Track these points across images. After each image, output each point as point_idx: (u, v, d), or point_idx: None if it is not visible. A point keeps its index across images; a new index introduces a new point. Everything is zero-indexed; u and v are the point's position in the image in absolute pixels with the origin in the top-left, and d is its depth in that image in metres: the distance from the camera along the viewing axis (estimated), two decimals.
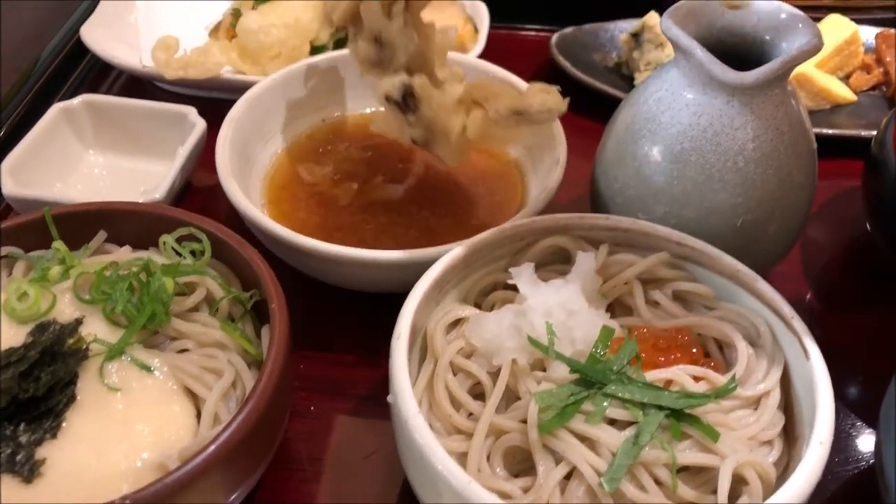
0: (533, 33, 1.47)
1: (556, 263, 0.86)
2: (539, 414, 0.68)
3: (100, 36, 1.28)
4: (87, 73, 1.37)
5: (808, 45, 0.83)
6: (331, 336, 0.97)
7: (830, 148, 1.07)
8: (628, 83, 1.33)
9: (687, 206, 0.88)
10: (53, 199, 0.99)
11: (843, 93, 1.27)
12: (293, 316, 0.76)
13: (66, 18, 1.44)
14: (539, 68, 1.38)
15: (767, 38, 0.88)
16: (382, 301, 0.95)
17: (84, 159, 1.14)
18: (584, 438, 0.68)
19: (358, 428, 0.88)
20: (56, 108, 1.10)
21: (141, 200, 0.99)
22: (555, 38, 1.36)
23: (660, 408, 0.69)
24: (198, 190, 1.16)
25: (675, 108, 0.88)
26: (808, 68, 1.24)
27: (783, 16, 0.87)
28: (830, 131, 1.20)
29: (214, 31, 1.32)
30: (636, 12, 1.35)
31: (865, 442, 0.89)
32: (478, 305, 0.84)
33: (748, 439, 0.71)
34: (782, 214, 0.90)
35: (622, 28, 1.37)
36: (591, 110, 1.27)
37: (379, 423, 0.87)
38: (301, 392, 0.90)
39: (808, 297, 1.05)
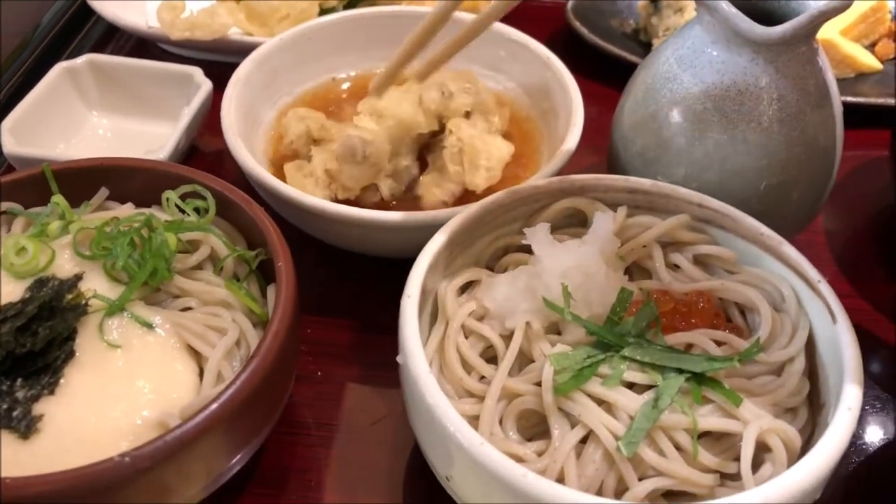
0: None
1: (572, 227, 0.84)
2: (554, 376, 0.66)
3: None
4: (91, 34, 1.34)
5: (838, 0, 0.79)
6: (338, 300, 0.94)
7: (855, 117, 1.04)
8: (646, 50, 1.29)
9: (708, 168, 0.85)
10: (55, 157, 0.96)
11: (869, 61, 1.23)
12: (300, 278, 0.74)
13: None
14: (554, 34, 1.34)
15: None
16: (392, 264, 0.92)
17: (88, 120, 1.12)
18: (600, 402, 0.66)
19: (366, 393, 0.85)
20: (59, 68, 1.08)
21: None
22: (571, 3, 1.33)
23: (680, 371, 0.67)
24: (203, 153, 1.13)
25: (697, 66, 0.84)
26: (832, 34, 1.21)
27: None
28: (856, 99, 1.16)
29: None
30: None
31: (890, 414, 0.86)
32: (490, 269, 0.81)
33: (772, 405, 0.68)
34: (807, 179, 0.87)
35: None
36: (607, 77, 1.24)
37: (388, 388, 0.85)
38: (308, 356, 0.88)
39: (831, 267, 1.02)
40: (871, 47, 1.27)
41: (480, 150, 0.91)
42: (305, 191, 0.89)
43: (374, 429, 0.82)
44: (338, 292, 0.95)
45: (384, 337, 0.89)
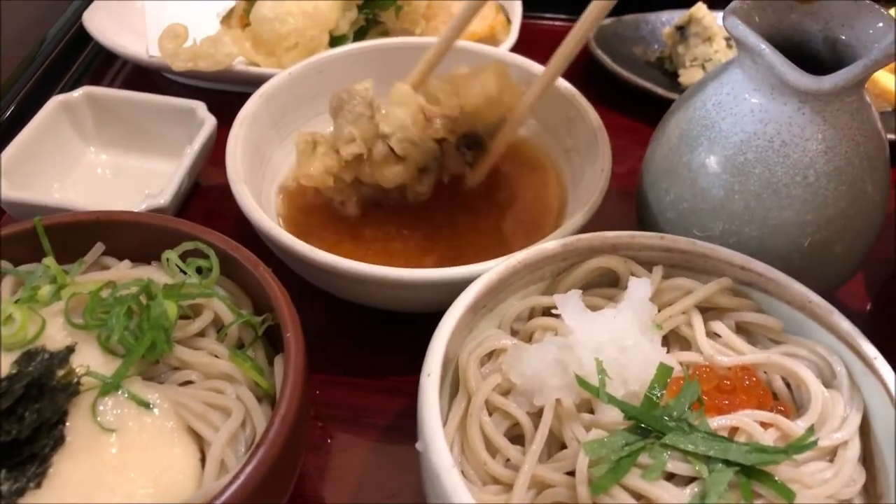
0: (569, 24, 1.37)
1: (602, 286, 0.78)
2: (590, 468, 0.60)
3: (103, 23, 1.20)
4: (89, 62, 1.29)
5: (893, 47, 0.73)
6: (349, 358, 0.89)
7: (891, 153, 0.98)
8: (671, 79, 1.23)
9: (749, 223, 0.79)
10: (49, 203, 0.91)
11: None
12: (308, 334, 0.69)
13: (67, 4, 1.35)
14: (575, 62, 1.27)
15: (843, 37, 0.79)
16: (408, 318, 0.87)
17: (84, 157, 1.06)
18: (639, 496, 0.60)
19: (379, 464, 0.80)
20: (55, 102, 1.02)
21: (145, 206, 0.91)
22: (593, 30, 1.27)
23: (727, 462, 0.61)
24: (207, 190, 1.08)
25: (737, 113, 0.79)
26: None
27: (861, 12, 0.78)
28: (893, 136, 1.10)
29: (226, 20, 1.23)
30: (681, 3, 1.25)
31: None
32: (514, 332, 0.76)
33: (825, 498, 0.62)
34: (853, 233, 0.81)
35: (665, 20, 1.27)
36: (630, 108, 1.19)
37: (402, 458, 0.78)
38: (317, 421, 0.82)
39: (870, 319, 0.96)
40: None
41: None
42: (313, 165, 0.88)
43: None
44: (349, 349, 0.90)
45: (398, 399, 0.85)
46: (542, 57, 1.04)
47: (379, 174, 0.89)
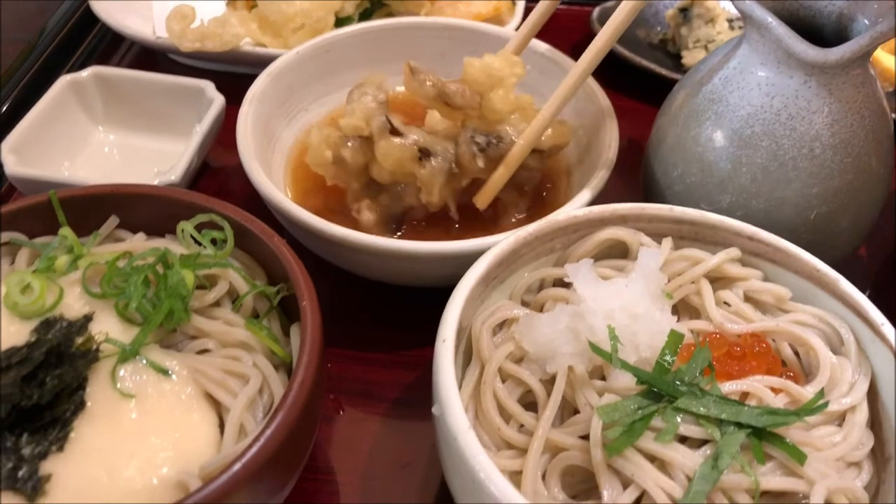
0: (573, 7, 1.38)
1: (612, 258, 0.79)
2: (603, 431, 0.61)
3: (110, 5, 1.20)
4: (96, 44, 1.29)
5: None
6: (361, 332, 0.89)
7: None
8: (674, 61, 1.24)
9: (756, 196, 0.80)
10: (60, 179, 0.91)
11: None
12: (321, 310, 0.69)
13: None
14: (579, 44, 1.28)
15: (846, 11, 0.80)
16: (419, 293, 0.87)
17: (93, 136, 1.07)
18: (653, 459, 0.61)
19: (392, 435, 0.80)
20: (63, 81, 1.03)
21: (155, 182, 0.91)
22: (596, 11, 1.28)
23: (739, 425, 0.62)
24: (215, 170, 1.08)
25: (744, 87, 0.80)
26: None
27: None
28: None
29: (233, 1, 1.23)
30: None
31: None
32: (526, 303, 0.76)
33: (835, 460, 0.63)
34: (858, 207, 0.82)
35: (668, 2, 1.28)
36: (633, 89, 1.20)
37: (414, 429, 0.80)
38: (329, 394, 0.83)
39: (876, 292, 0.96)
40: None
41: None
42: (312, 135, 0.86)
43: (399, 475, 0.77)
44: (361, 323, 0.90)
45: (410, 372, 0.85)
46: (546, 37, 1.05)
47: (377, 150, 0.85)
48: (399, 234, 0.91)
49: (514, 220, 0.92)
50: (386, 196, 0.90)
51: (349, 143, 0.86)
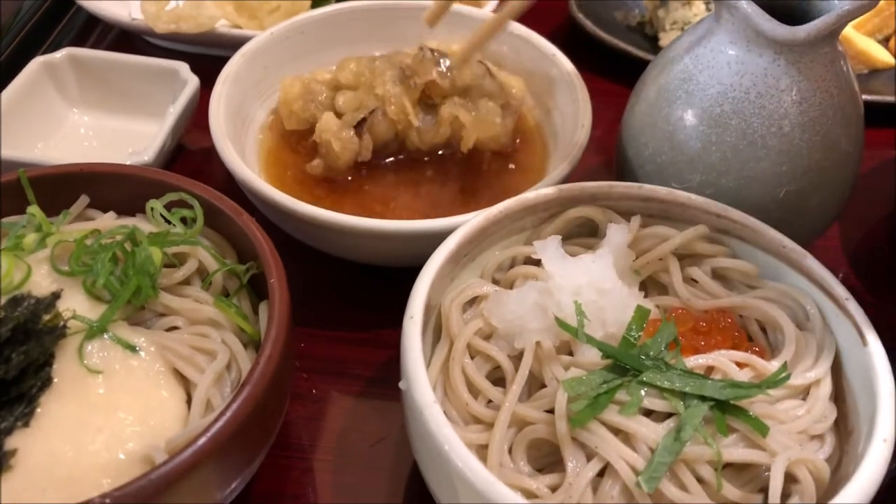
0: None
1: (581, 236, 0.79)
2: (568, 404, 0.61)
3: None
4: (71, 26, 1.28)
5: None
6: (333, 311, 0.89)
7: (868, 115, 1.00)
8: (652, 43, 1.24)
9: (725, 174, 0.80)
10: (34, 159, 0.91)
11: (883, 56, 1.19)
12: (292, 289, 0.69)
13: None
14: (557, 26, 1.29)
15: None
16: (390, 273, 0.88)
17: (68, 118, 1.06)
18: (617, 431, 0.61)
19: (364, 413, 0.81)
20: (37, 62, 1.02)
21: (128, 163, 0.91)
22: None
23: (702, 398, 0.62)
24: (190, 153, 1.08)
25: (714, 66, 0.80)
26: (847, 29, 1.16)
27: None
28: (872, 98, 1.12)
29: None
30: None
31: None
32: (496, 282, 0.77)
33: (797, 433, 0.64)
34: (828, 185, 0.82)
35: None
36: (612, 72, 1.20)
37: (386, 407, 0.81)
38: (302, 373, 0.83)
39: (849, 274, 0.98)
40: (885, 42, 1.22)
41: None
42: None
43: (371, 451, 0.78)
44: (332, 303, 0.90)
45: (382, 350, 0.86)
46: (525, 19, 1.05)
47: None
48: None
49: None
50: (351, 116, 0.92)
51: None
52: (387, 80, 0.89)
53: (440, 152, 0.95)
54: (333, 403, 0.81)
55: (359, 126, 0.89)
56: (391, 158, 0.95)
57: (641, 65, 1.12)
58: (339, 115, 0.91)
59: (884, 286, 0.96)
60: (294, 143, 0.96)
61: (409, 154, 0.95)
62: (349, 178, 0.93)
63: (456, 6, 1.07)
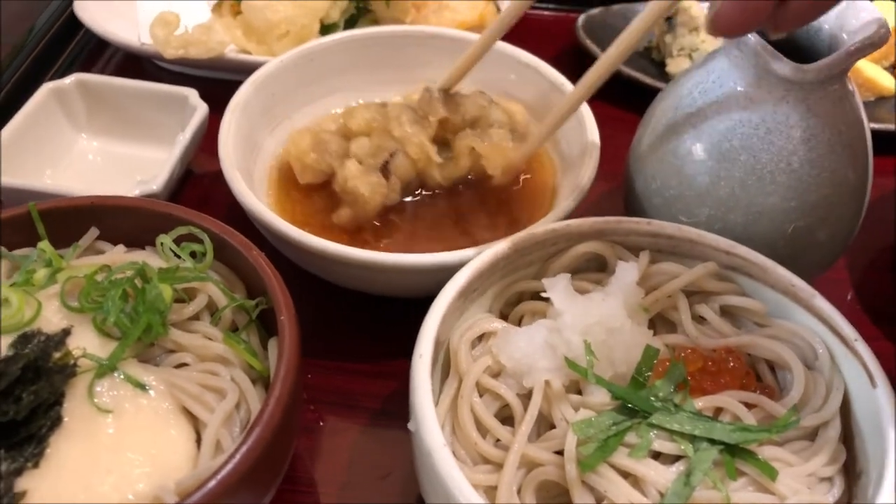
0: (558, 14, 1.39)
1: (589, 271, 0.79)
2: (578, 447, 0.61)
3: (95, 10, 1.20)
4: (80, 50, 1.28)
5: (875, 35, 0.75)
6: (342, 343, 0.89)
7: (873, 143, 1.00)
8: (659, 69, 1.25)
9: (734, 209, 0.80)
10: (42, 189, 0.91)
11: (889, 84, 1.19)
12: (301, 321, 0.69)
13: None
14: (563, 51, 1.29)
15: (826, 26, 0.80)
16: (398, 303, 0.88)
17: (76, 144, 1.07)
18: (627, 475, 0.61)
19: (371, 446, 0.81)
20: (46, 88, 1.02)
21: (137, 191, 0.91)
22: (581, 19, 1.28)
23: (712, 441, 0.62)
24: (198, 177, 1.08)
25: (723, 101, 0.80)
26: None
27: (845, 2, 0.79)
28: (876, 126, 1.11)
29: (218, 7, 1.24)
30: None
31: None
32: (504, 316, 0.77)
33: (806, 476, 0.64)
34: (836, 220, 0.83)
35: None
36: (618, 97, 1.20)
37: (394, 440, 0.80)
38: (309, 405, 0.83)
39: (856, 309, 0.97)
40: (892, 69, 1.22)
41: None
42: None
43: (379, 485, 0.78)
44: (341, 334, 0.90)
45: (389, 382, 0.86)
46: (531, 46, 1.06)
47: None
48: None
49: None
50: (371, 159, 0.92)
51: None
52: (403, 122, 0.89)
53: (459, 186, 0.96)
54: (340, 436, 0.81)
55: (383, 169, 0.89)
56: (408, 198, 0.95)
57: (649, 90, 1.13)
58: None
59: (889, 317, 0.96)
60: (307, 195, 0.95)
61: (425, 191, 0.95)
62: (376, 223, 0.92)
63: (464, 33, 1.08)
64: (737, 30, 0.70)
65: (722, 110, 0.80)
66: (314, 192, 0.94)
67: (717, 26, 0.68)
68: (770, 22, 0.68)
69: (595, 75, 0.82)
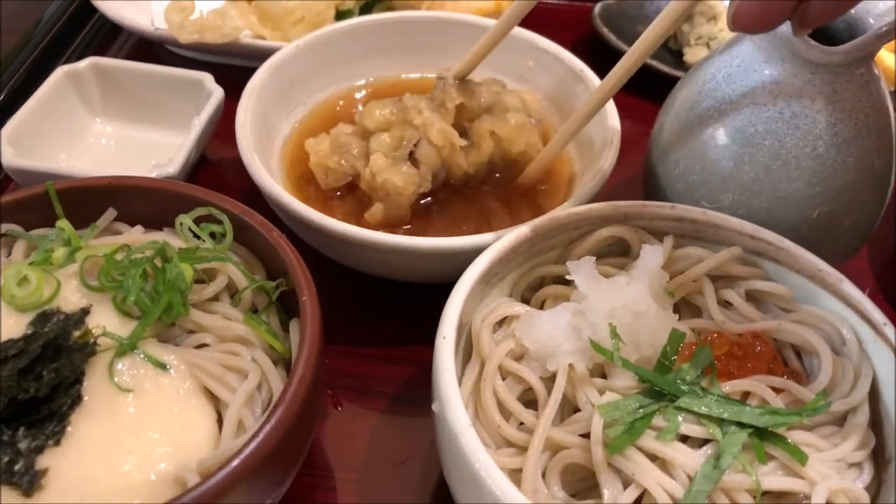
0: (574, 2, 1.37)
1: (612, 255, 0.78)
2: (604, 429, 0.61)
3: None
4: (94, 34, 1.28)
5: None
6: (360, 328, 0.89)
7: None
8: (676, 58, 1.24)
9: (758, 194, 0.79)
10: (57, 170, 0.90)
11: None
12: (320, 305, 0.68)
13: None
14: (580, 40, 1.28)
15: (853, 10, 0.79)
16: (416, 288, 0.87)
17: (91, 128, 1.06)
18: (654, 458, 0.61)
19: (390, 431, 0.80)
20: (60, 72, 1.02)
21: (154, 174, 0.90)
22: (598, 7, 1.27)
23: (741, 425, 0.61)
24: (213, 163, 1.08)
25: (747, 85, 0.79)
26: None
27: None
28: None
29: None
30: None
31: None
32: (525, 300, 0.76)
33: (835, 461, 0.63)
34: (860, 206, 0.82)
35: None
36: (634, 86, 1.17)
37: (412, 426, 0.80)
38: (328, 390, 0.82)
39: (878, 295, 0.96)
40: None
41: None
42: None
43: (398, 471, 0.77)
44: (359, 319, 0.90)
45: (408, 368, 0.85)
46: (546, 35, 1.05)
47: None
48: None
49: None
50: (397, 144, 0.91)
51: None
52: (423, 109, 0.88)
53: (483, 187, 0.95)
54: (359, 421, 0.80)
55: (411, 158, 0.88)
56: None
57: (666, 79, 1.12)
58: None
59: None
60: (329, 199, 0.93)
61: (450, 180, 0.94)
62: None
63: (481, 19, 1.07)
64: (757, 27, 0.69)
65: (746, 94, 0.79)
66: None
67: (738, 22, 0.68)
68: (794, 19, 0.68)
69: (620, 72, 0.82)
